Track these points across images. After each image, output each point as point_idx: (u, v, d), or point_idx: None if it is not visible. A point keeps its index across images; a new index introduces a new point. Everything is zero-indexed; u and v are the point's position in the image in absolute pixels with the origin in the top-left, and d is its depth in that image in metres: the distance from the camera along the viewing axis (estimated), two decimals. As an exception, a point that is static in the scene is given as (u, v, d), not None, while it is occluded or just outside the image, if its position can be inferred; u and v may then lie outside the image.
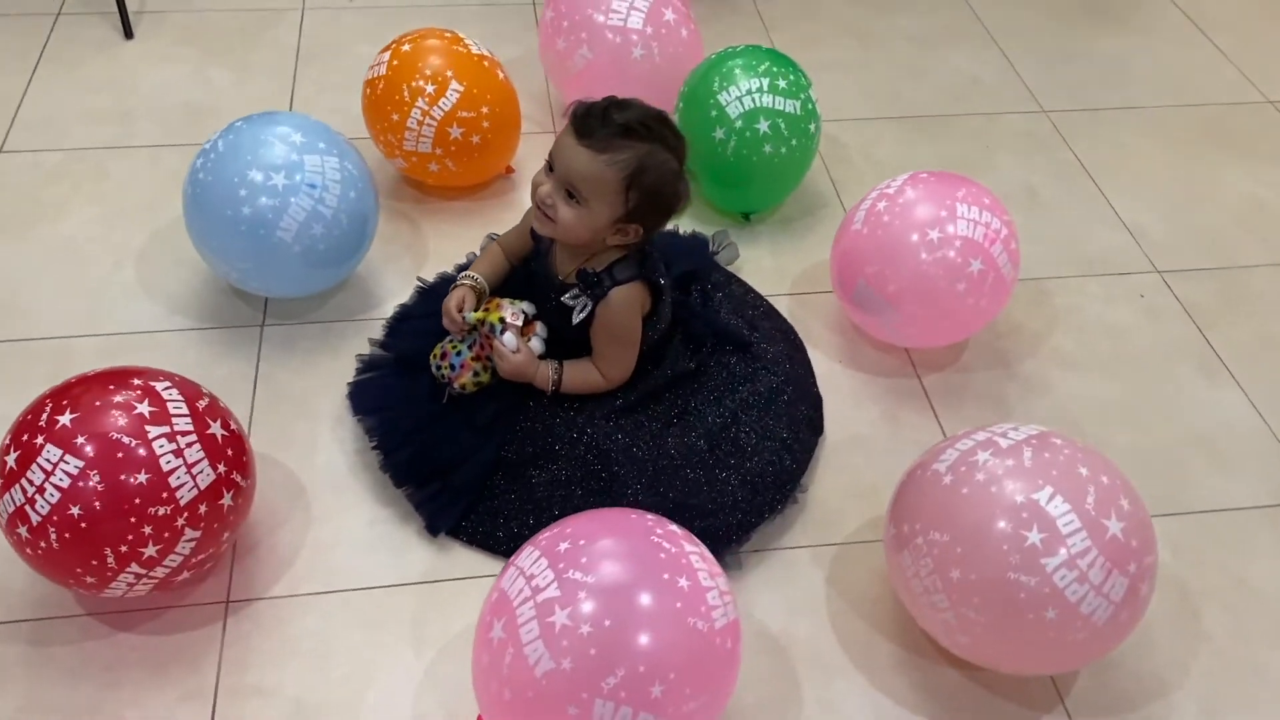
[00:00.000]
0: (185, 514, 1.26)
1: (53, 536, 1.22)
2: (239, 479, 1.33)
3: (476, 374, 1.52)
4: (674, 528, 1.21)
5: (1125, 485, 1.25)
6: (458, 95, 1.80)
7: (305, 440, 1.59)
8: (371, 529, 1.50)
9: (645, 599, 1.12)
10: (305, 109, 2.16)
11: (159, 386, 1.30)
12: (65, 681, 1.32)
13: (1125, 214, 2.08)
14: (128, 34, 2.33)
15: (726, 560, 1.45)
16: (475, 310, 1.53)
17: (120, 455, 1.22)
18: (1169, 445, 1.68)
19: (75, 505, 1.21)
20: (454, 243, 1.87)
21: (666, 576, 1.13)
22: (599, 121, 1.38)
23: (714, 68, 1.89)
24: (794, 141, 1.86)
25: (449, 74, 1.80)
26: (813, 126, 1.89)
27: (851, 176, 2.12)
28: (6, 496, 1.23)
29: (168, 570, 1.29)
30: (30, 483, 1.21)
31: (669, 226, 1.86)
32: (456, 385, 1.52)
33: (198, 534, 1.28)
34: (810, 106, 1.89)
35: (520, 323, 1.50)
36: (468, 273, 1.60)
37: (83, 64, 2.25)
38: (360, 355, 1.66)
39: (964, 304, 1.61)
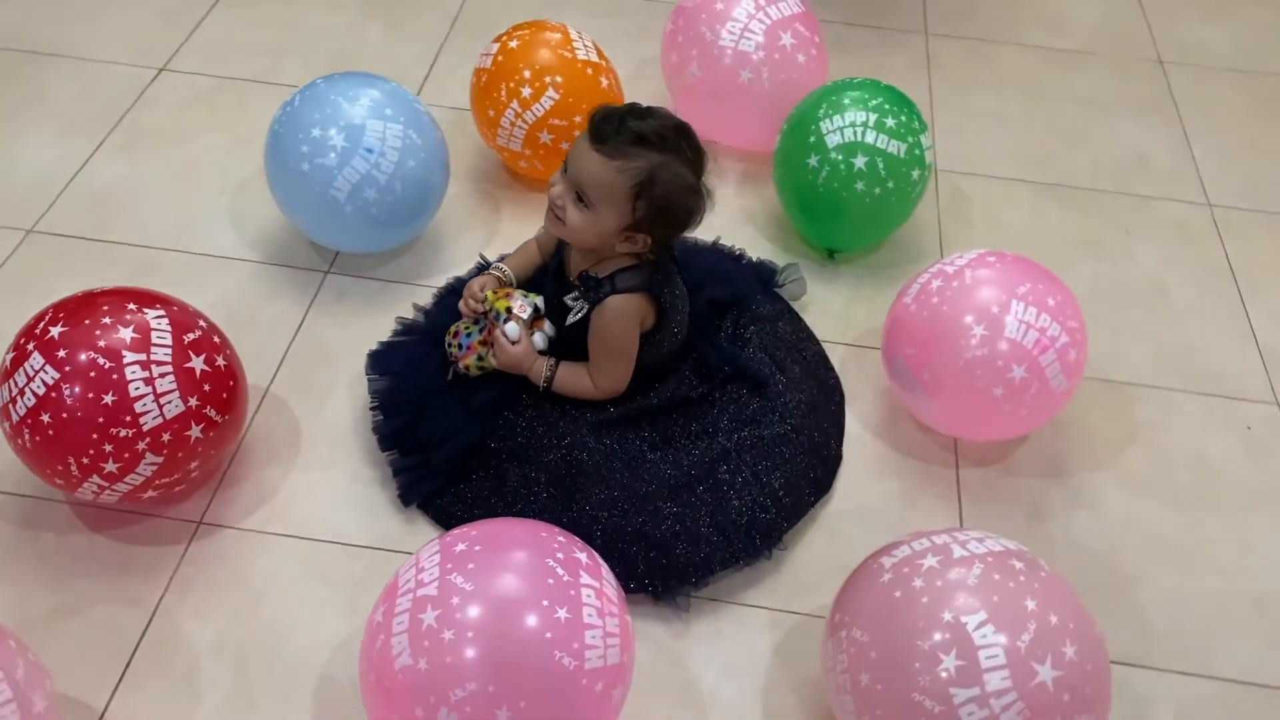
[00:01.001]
0: (147, 439, 1.32)
1: (27, 437, 1.31)
2: (213, 414, 1.38)
3: (481, 358, 1.52)
4: (581, 555, 1.17)
5: (1081, 631, 1.11)
6: (552, 103, 1.80)
7: (322, 389, 1.64)
8: (350, 487, 1.53)
9: (515, 621, 1.09)
10: (440, 78, 2.22)
11: (150, 315, 1.36)
12: (36, 561, 1.42)
13: (1262, 332, 1.85)
14: (310, -22, 2.46)
15: (678, 600, 1.40)
16: (500, 290, 1.54)
17: (92, 375, 1.29)
18: (1217, 598, 1.49)
19: (46, 413, 1.29)
20: (528, 230, 1.86)
21: (545, 603, 1.10)
22: (614, 128, 1.35)
23: (826, 95, 1.81)
24: (891, 184, 1.75)
25: (547, 79, 1.80)
26: (917, 173, 1.78)
27: (964, 235, 1.99)
28: (2, 388, 1.33)
29: (130, 486, 1.36)
30: (15, 384, 1.31)
31: (737, 250, 1.82)
32: (460, 365, 1.53)
33: (159, 459, 1.34)
34: (919, 153, 1.78)
35: (526, 315, 1.49)
36: (499, 264, 1.61)
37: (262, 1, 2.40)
38: (400, 318, 1.70)
39: (1000, 410, 1.48)
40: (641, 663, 1.36)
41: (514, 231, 1.88)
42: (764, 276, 1.79)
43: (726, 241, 1.86)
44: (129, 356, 1.31)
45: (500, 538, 1.17)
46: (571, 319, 1.48)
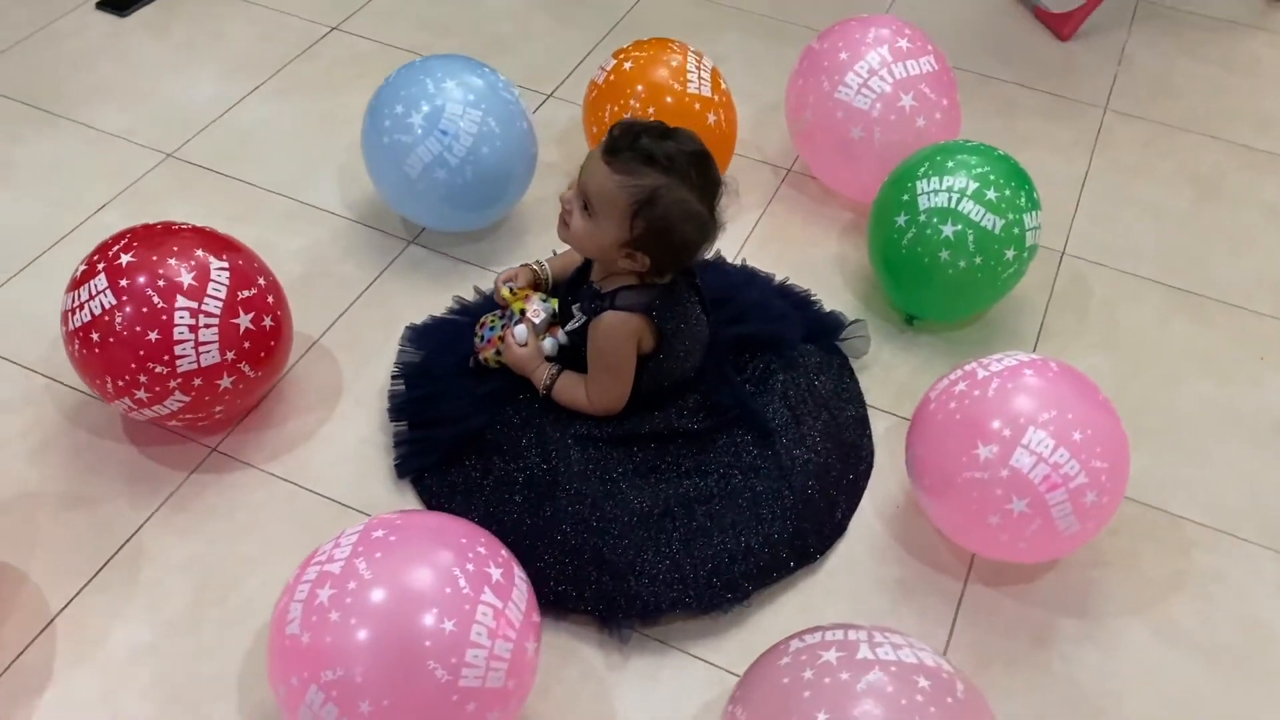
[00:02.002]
0: (178, 380, 1.41)
1: (76, 346, 1.42)
2: (246, 369, 1.46)
3: (499, 352, 1.53)
4: (495, 571, 1.15)
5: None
6: None
7: (367, 351, 1.70)
8: (358, 448, 1.58)
9: (399, 620, 1.08)
10: (582, 77, 2.25)
11: (214, 265, 1.43)
12: (68, 451, 1.55)
13: (1384, 504, 1.61)
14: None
15: (621, 631, 1.37)
16: (520, 290, 1.55)
17: (144, 310, 1.38)
18: (1221, 784, 1.31)
19: (97, 332, 1.40)
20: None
21: (434, 611, 1.09)
22: (627, 143, 1.34)
23: (934, 153, 1.71)
24: (979, 259, 1.64)
25: (651, 111, 1.79)
26: (1012, 253, 1.65)
27: (1070, 328, 1.83)
28: (68, 295, 1.45)
29: (156, 414, 1.46)
30: (78, 296, 1.42)
31: (810, 295, 1.76)
32: (480, 356, 1.55)
33: (186, 399, 1.43)
34: (1018, 232, 1.65)
35: (539, 320, 1.50)
36: (543, 260, 1.62)
37: (448, -23, 2.51)
38: (459, 298, 1.74)
39: (997, 539, 1.35)
40: (568, 682, 1.35)
41: (594, 236, 1.89)
42: (827, 326, 1.71)
43: (806, 286, 1.79)
44: (181, 301, 1.39)
45: (421, 535, 1.16)
46: (570, 326, 1.48)
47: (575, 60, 2.30)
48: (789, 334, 1.62)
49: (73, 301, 1.43)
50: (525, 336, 1.49)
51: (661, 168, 1.34)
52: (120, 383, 1.41)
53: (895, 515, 1.55)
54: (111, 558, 1.44)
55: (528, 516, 1.41)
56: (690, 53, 1.86)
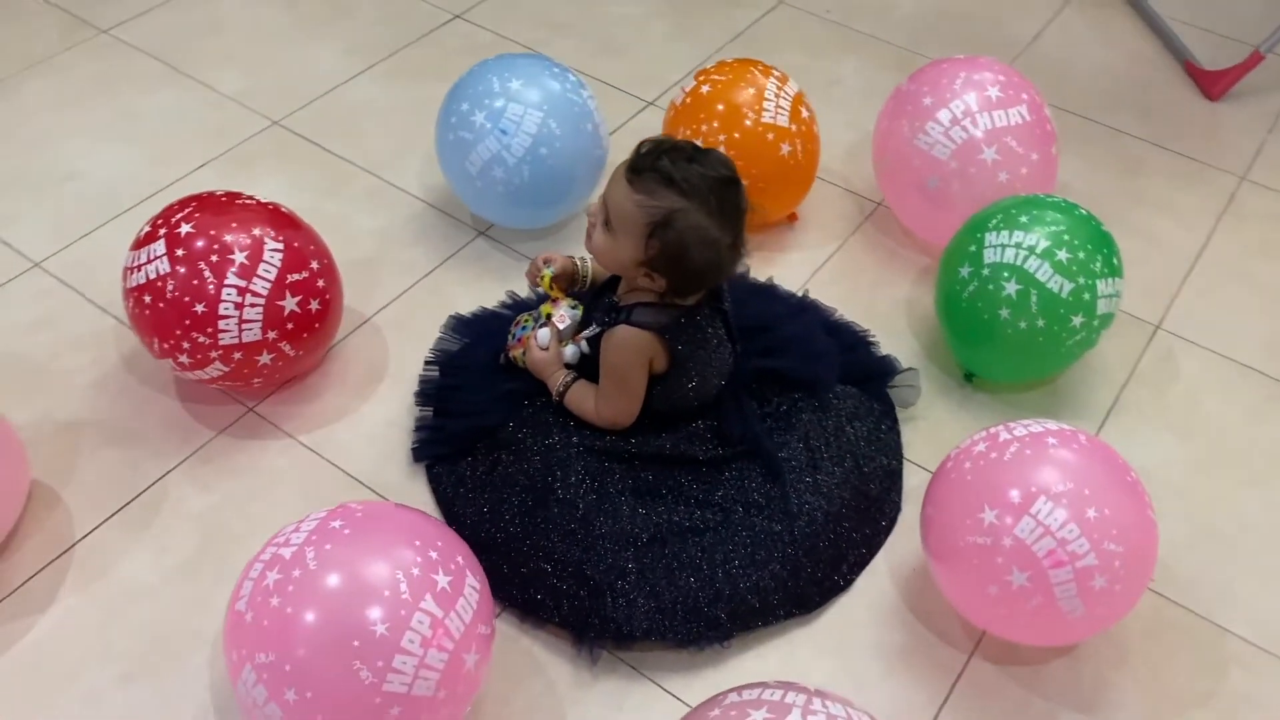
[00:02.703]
0: (219, 351, 1.46)
1: (131, 303, 1.49)
2: (286, 348, 1.50)
3: (525, 354, 1.53)
4: (444, 579, 1.13)
5: None
6: None
7: (415, 334, 1.72)
8: (384, 429, 1.61)
9: (333, 615, 1.09)
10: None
11: (269, 245, 1.47)
12: (117, 393, 1.64)
13: None
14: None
15: (593, 651, 1.35)
16: (554, 285, 1.54)
17: (194, 283, 1.44)
18: None
19: (149, 294, 1.46)
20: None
21: (369, 612, 1.09)
22: (649, 162, 1.32)
23: (1010, 206, 1.62)
24: (1041, 323, 1.54)
25: (721, 138, 1.76)
26: (1079, 320, 1.55)
27: (1146, 407, 1.70)
28: (130, 253, 1.51)
29: (197, 378, 1.52)
30: (138, 257, 1.48)
31: (868, 335, 1.70)
32: (510, 354, 1.55)
33: (226, 369, 1.49)
34: (1089, 298, 1.54)
35: (564, 325, 1.49)
36: (585, 257, 1.60)
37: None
38: (511, 293, 1.75)
39: (995, 611, 1.27)
40: (530, 694, 1.34)
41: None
42: (874, 371, 1.65)
43: (868, 327, 1.73)
44: (230, 279, 1.44)
45: (376, 532, 1.17)
46: (587, 334, 1.47)
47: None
48: (823, 375, 1.56)
49: (133, 260, 1.49)
50: (547, 340, 1.48)
51: (680, 190, 1.31)
52: (166, 345, 1.48)
53: (910, 578, 1.48)
54: (135, 498, 1.51)
55: (521, 519, 1.41)
56: (773, 78, 1.82)
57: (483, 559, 1.40)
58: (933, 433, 1.65)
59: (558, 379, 1.48)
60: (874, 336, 1.72)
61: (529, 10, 2.43)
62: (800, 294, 1.78)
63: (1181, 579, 1.49)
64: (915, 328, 1.80)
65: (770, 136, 1.78)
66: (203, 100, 2.15)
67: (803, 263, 1.90)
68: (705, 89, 1.82)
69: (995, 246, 1.58)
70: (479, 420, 1.51)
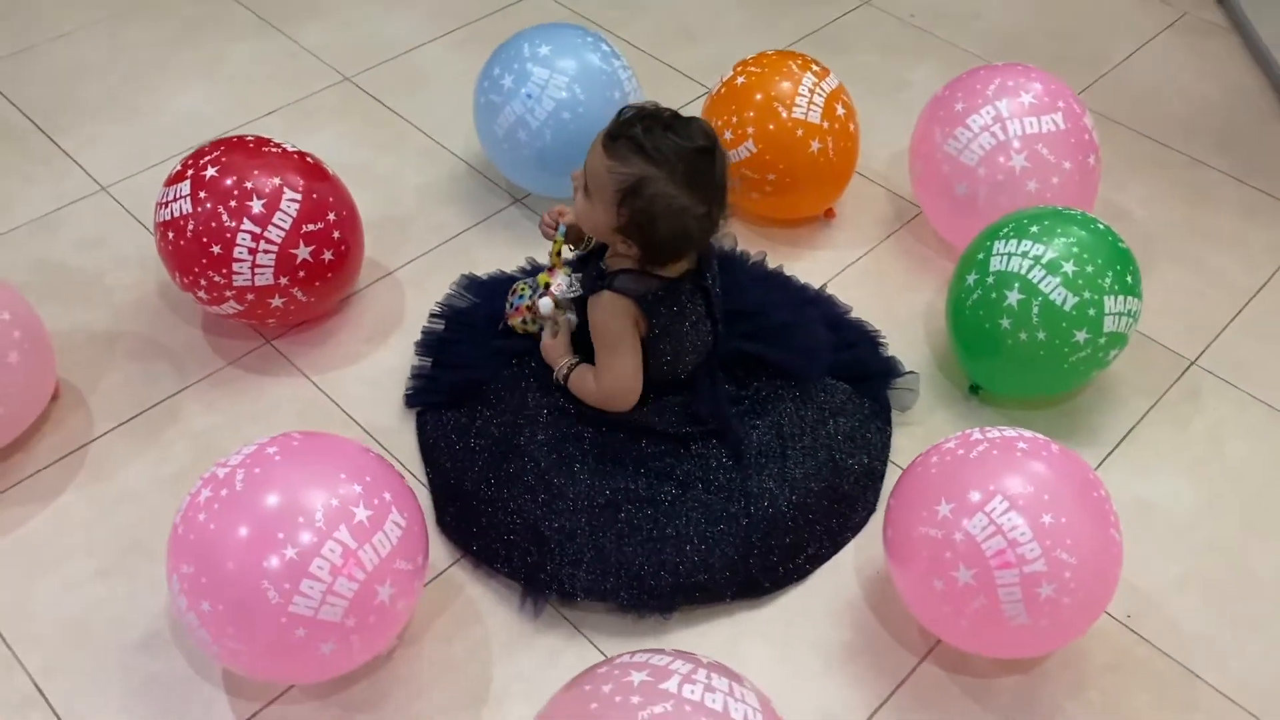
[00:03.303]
0: (233, 291, 1.55)
1: (159, 237, 1.59)
2: (298, 293, 1.57)
3: (525, 321, 1.56)
4: (363, 513, 1.16)
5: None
6: (748, 154, 1.78)
7: (433, 293, 1.75)
8: (388, 375, 1.67)
9: (248, 535, 1.13)
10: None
11: (288, 195, 1.53)
12: (150, 314, 1.75)
13: None
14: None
15: (535, 603, 1.38)
16: (558, 256, 1.55)
17: (212, 224, 1.51)
18: None
19: (172, 231, 1.55)
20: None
21: (281, 535, 1.13)
22: (624, 130, 1.33)
23: (1023, 216, 1.58)
24: (1042, 335, 1.50)
25: (749, 130, 1.76)
26: (1083, 335, 1.49)
27: (1164, 442, 1.63)
28: (163, 189, 1.59)
29: (216, 312, 1.61)
30: (167, 194, 1.57)
31: (878, 336, 1.70)
32: (508, 321, 1.59)
33: (241, 307, 1.58)
34: (1094, 313, 1.49)
35: (562, 292, 1.50)
36: None
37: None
38: (531, 259, 1.79)
39: (939, 609, 1.25)
40: (469, 639, 1.38)
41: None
42: (871, 369, 1.63)
43: (884, 328, 1.71)
44: (247, 225, 1.52)
45: (307, 461, 1.21)
46: (569, 294, 1.48)
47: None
48: (808, 366, 1.55)
49: (163, 196, 1.58)
50: (550, 309, 1.50)
51: (649, 158, 1.32)
52: (186, 280, 1.57)
53: (874, 580, 1.46)
54: (147, 410, 1.61)
55: (485, 471, 1.44)
56: (810, 72, 1.80)
57: (452, 506, 1.46)
58: (928, 439, 1.60)
59: (563, 364, 1.49)
60: (884, 338, 1.70)
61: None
62: (817, 288, 1.77)
63: (1162, 619, 1.43)
64: (931, 337, 1.77)
65: (800, 133, 1.77)
66: (283, 51, 2.26)
67: (831, 260, 1.89)
68: (741, 80, 1.82)
69: (1002, 255, 1.54)
70: (470, 374, 1.56)
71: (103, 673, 1.33)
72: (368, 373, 1.67)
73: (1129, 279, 1.52)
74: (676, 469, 1.44)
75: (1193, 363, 1.75)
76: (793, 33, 2.38)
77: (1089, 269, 1.49)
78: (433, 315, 1.68)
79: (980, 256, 1.56)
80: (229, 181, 1.53)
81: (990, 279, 1.54)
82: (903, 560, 1.28)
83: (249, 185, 1.53)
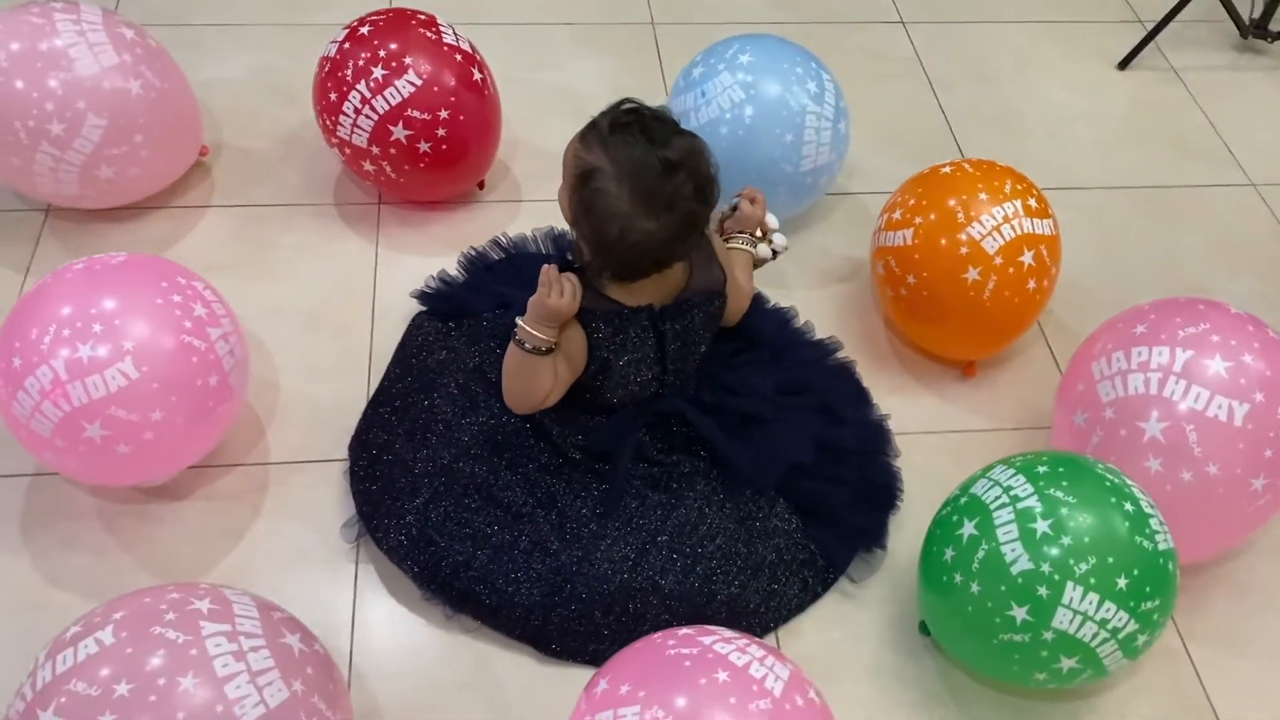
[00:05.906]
0: (336, 140, 1.69)
1: (317, 68, 1.70)
2: (387, 168, 1.66)
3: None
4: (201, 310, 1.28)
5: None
6: (902, 242, 1.59)
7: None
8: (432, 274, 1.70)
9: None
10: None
11: (408, 76, 1.59)
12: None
13: None
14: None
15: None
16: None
17: (338, 74, 1.62)
18: None
19: (326, 67, 1.66)
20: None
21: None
22: (604, 118, 1.26)
23: (1054, 454, 1.26)
24: (975, 588, 1.19)
25: (917, 220, 1.56)
26: (1023, 614, 1.15)
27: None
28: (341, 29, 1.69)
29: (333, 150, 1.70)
30: (335, 34, 1.67)
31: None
32: None
33: (345, 155, 1.71)
34: (1048, 598, 1.14)
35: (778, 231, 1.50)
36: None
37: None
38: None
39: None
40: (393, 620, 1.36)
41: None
42: (844, 522, 1.43)
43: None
44: (361, 86, 1.61)
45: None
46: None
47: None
48: (750, 471, 1.41)
49: (331, 37, 1.69)
50: (784, 243, 1.50)
51: (608, 154, 1.23)
52: (320, 112, 1.70)
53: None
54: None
55: (435, 451, 1.42)
56: (1023, 200, 1.52)
57: (379, 469, 1.43)
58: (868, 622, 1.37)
59: (538, 330, 1.30)
60: (900, 501, 1.47)
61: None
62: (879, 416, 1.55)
63: None
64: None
65: (963, 251, 1.49)
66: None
67: (927, 411, 1.62)
68: (947, 169, 1.59)
69: (989, 480, 1.25)
70: (468, 307, 1.58)
71: None
72: (421, 267, 1.69)
73: (1125, 584, 1.14)
74: (544, 483, 1.38)
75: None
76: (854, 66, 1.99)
77: (1065, 540, 1.14)
78: (494, 242, 1.69)
79: (977, 474, 1.28)
80: (371, 43, 1.62)
81: (964, 499, 1.26)
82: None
83: (382, 53, 1.61)
